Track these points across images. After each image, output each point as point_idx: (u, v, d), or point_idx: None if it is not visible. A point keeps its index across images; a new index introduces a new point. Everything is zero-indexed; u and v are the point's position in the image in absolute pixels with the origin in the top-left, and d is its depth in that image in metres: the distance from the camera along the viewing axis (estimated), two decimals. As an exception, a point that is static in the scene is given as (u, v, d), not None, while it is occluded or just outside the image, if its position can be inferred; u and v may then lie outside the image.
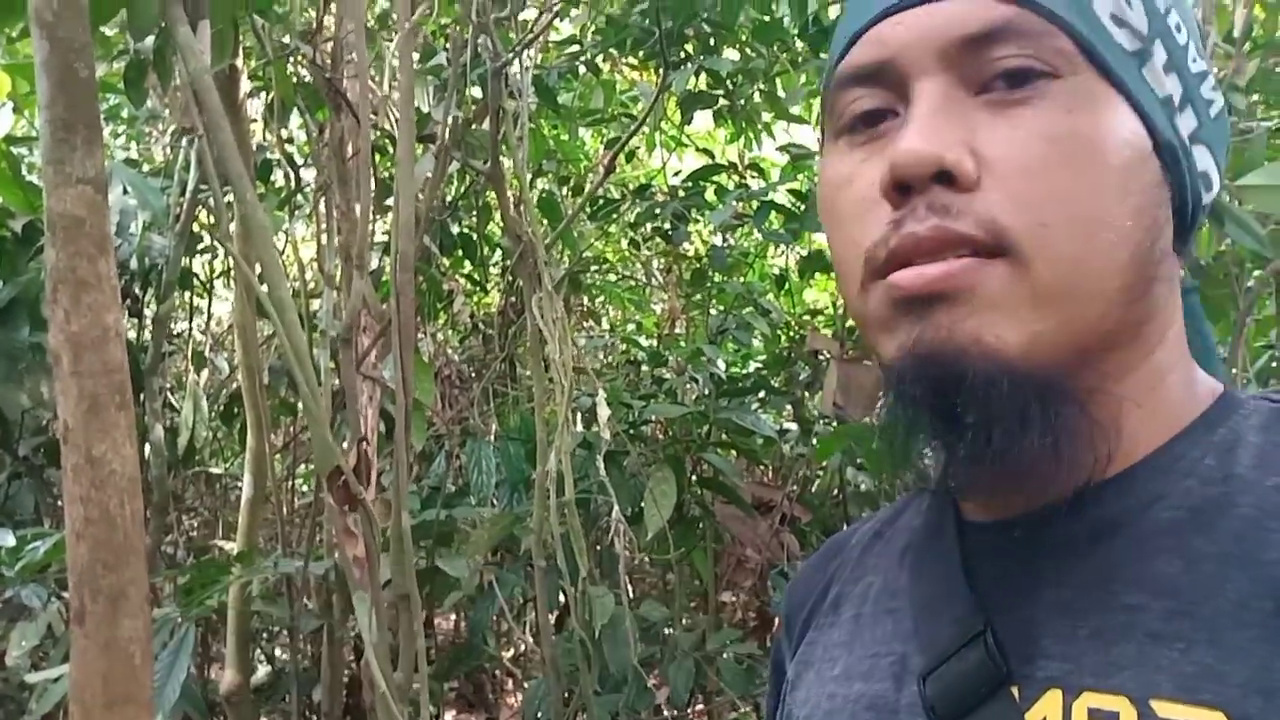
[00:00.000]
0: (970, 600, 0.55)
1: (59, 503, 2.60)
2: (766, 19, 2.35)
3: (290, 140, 3.09)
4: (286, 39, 2.36)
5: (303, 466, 3.45)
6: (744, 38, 2.45)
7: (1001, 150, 0.50)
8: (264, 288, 1.33)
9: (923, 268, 0.50)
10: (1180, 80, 0.55)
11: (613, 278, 3.84)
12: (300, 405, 2.65)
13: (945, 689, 0.53)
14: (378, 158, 2.67)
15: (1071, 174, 0.50)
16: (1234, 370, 2.06)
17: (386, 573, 1.46)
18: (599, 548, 2.51)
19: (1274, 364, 2.42)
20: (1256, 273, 2.08)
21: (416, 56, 2.70)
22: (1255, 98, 1.96)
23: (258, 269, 1.90)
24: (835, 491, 2.89)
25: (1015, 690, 0.51)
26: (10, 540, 2.06)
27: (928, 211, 0.50)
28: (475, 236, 3.11)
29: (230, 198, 1.41)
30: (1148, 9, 0.54)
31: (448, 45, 2.12)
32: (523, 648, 3.60)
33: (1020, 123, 0.50)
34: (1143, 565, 0.50)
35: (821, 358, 2.75)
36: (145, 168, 3.27)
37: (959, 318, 0.49)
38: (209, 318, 3.78)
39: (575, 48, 2.76)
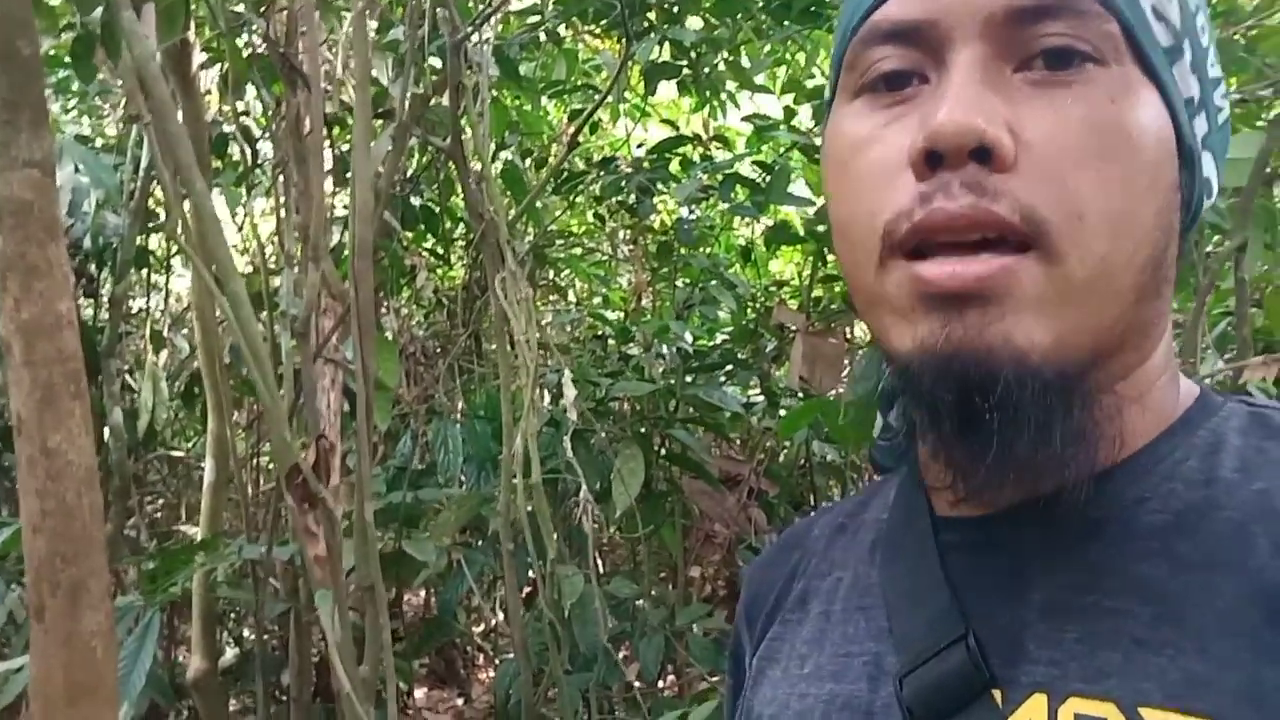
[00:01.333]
0: (949, 599, 0.54)
1: (18, 489, 2.55)
2: (731, -12, 2.32)
3: (247, 113, 3.03)
4: (241, 7, 2.30)
5: (267, 445, 3.41)
6: (707, 6, 2.42)
7: (1042, 133, 0.48)
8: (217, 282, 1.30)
9: (957, 266, 0.47)
10: (1199, 84, 0.54)
11: (578, 251, 3.81)
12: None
13: (924, 691, 0.52)
14: (337, 131, 2.62)
15: (1110, 167, 0.48)
16: (1198, 337, 2.09)
17: (351, 560, 1.44)
18: (568, 525, 2.50)
19: (1230, 330, 2.45)
20: (1215, 238, 2.09)
21: (374, 28, 2.65)
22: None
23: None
24: (802, 463, 2.91)
25: (998, 694, 0.50)
26: (-33, 529, 2.02)
27: (962, 188, 0.47)
28: (438, 210, 3.07)
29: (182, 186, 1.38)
30: (1182, 6, 0.53)
31: (406, 18, 2.07)
32: (493, 623, 3.60)
33: (1062, 106, 0.49)
34: (1128, 568, 0.50)
35: (788, 331, 2.75)
36: (98, 143, 3.20)
37: (992, 319, 0.47)
38: (167, 295, 3.71)
39: (536, 18, 2.72)
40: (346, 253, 2.42)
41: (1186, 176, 0.53)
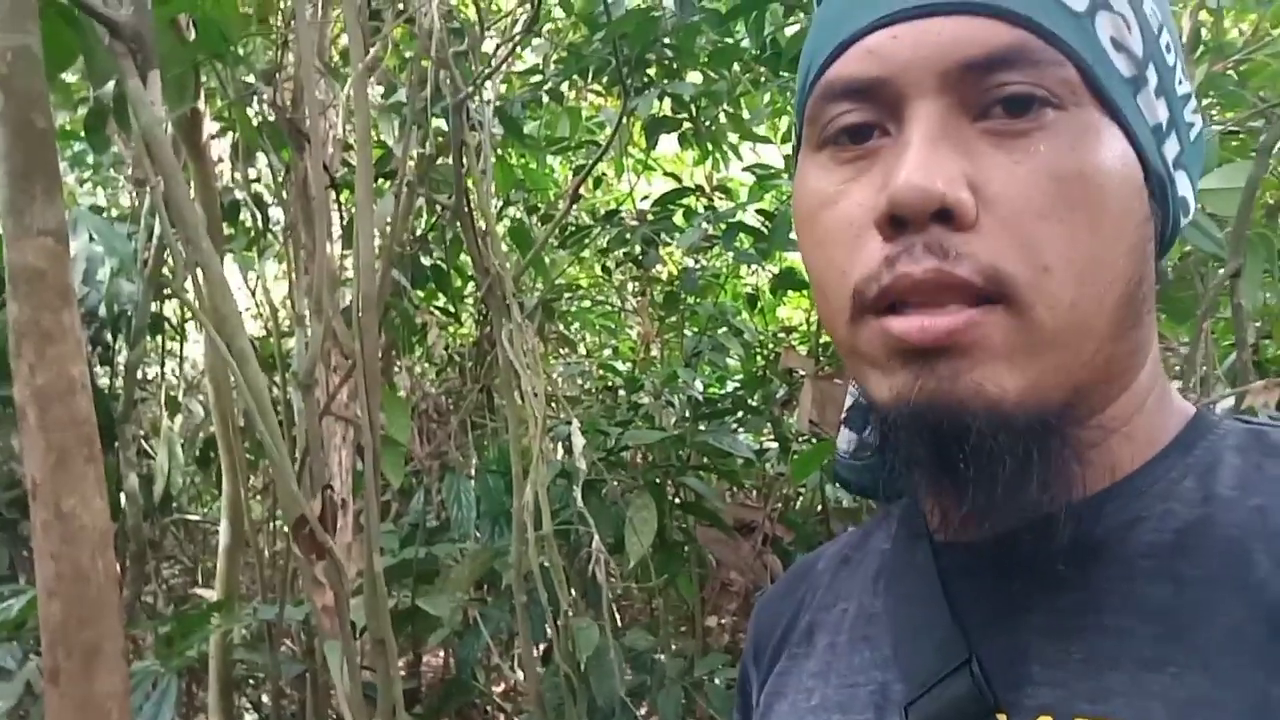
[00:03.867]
0: (952, 626, 0.54)
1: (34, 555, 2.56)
2: (726, 42, 2.37)
3: (258, 179, 3.08)
4: (250, 78, 2.36)
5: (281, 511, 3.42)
6: (704, 60, 2.46)
7: (1003, 188, 0.48)
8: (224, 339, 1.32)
9: (924, 320, 0.48)
10: (1168, 105, 0.53)
11: (586, 304, 3.84)
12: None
13: (930, 718, 0.52)
14: (345, 195, 2.67)
15: (1074, 215, 0.48)
16: (1201, 369, 2.08)
17: (363, 617, 1.44)
18: (583, 578, 2.49)
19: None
20: (1221, 271, 2.09)
21: (380, 91, 2.70)
22: (1208, 101, 1.98)
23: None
24: (818, 509, 2.89)
25: (1003, 718, 0.50)
26: (-17, 598, 2.03)
27: (925, 252, 0.48)
28: (447, 269, 3.11)
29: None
30: (1144, 32, 0.52)
31: (410, 80, 2.12)
32: (513, 682, 3.57)
33: (1023, 157, 0.48)
34: (1129, 589, 0.50)
35: (797, 375, 2.75)
36: (112, 213, 3.26)
37: (962, 370, 0.48)
38: (182, 361, 3.75)
39: (538, 77, 2.77)
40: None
41: (1158, 205, 0.53)
